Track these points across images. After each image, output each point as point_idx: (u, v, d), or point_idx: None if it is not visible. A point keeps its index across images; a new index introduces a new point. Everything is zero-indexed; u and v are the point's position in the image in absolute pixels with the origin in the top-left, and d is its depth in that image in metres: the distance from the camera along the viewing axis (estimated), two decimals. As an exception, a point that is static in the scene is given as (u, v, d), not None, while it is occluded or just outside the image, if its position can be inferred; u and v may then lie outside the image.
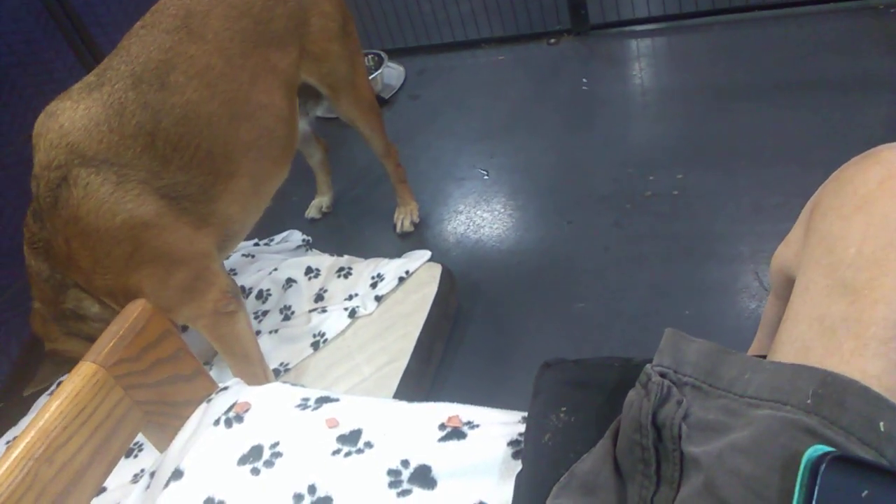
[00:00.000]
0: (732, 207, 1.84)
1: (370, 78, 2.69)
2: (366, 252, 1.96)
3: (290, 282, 1.85)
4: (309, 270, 1.87)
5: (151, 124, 1.33)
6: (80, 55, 2.29)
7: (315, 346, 1.68)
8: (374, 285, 1.76)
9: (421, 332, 1.60)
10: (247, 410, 0.90)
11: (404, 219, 2.18)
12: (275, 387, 0.95)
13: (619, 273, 1.80)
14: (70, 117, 1.29)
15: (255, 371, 1.54)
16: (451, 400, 1.59)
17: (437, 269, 1.74)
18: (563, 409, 0.65)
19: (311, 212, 2.38)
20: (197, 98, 1.38)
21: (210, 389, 0.99)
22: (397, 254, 1.90)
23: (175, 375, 0.94)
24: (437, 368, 1.67)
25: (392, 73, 2.94)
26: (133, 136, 1.31)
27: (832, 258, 0.53)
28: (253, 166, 1.51)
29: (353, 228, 2.32)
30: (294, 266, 1.89)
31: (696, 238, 1.80)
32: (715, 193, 1.90)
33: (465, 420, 0.82)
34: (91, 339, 1.27)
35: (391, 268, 1.77)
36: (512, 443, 0.77)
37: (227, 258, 1.95)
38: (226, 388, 0.97)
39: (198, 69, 1.40)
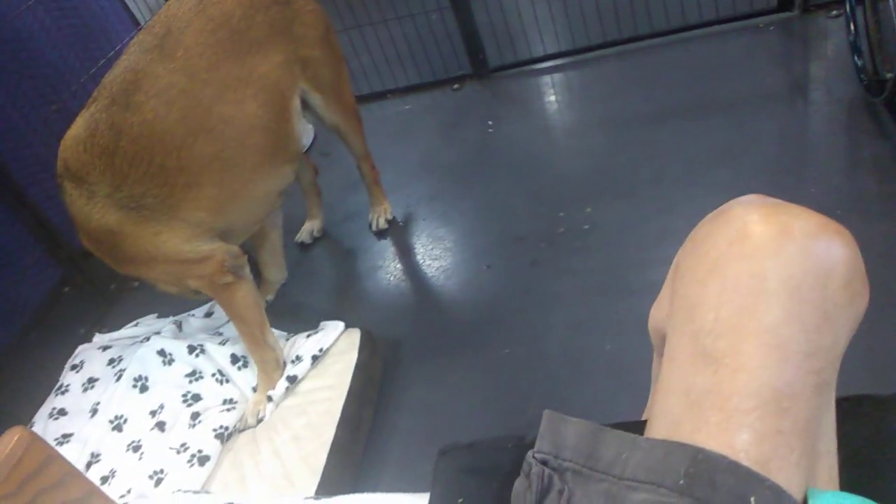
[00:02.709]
0: (641, 235, 1.87)
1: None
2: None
3: (220, 374, 1.79)
4: (235, 359, 1.81)
5: (113, 144, 1.48)
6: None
7: (221, 437, 1.63)
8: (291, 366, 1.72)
9: (345, 403, 1.56)
10: (144, 531, 0.84)
11: (379, 218, 2.29)
12: (176, 498, 0.90)
13: (539, 314, 1.80)
14: (70, 134, 1.52)
15: (253, 332, 1.70)
16: (383, 469, 1.57)
17: (356, 335, 1.71)
18: (461, 500, 0.63)
19: (303, 236, 2.37)
20: (152, 117, 1.51)
21: (108, 509, 0.93)
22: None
23: (65, 503, 0.88)
24: (367, 437, 1.62)
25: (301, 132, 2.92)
26: (99, 156, 1.49)
27: (693, 325, 0.53)
28: (219, 176, 1.61)
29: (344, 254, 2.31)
30: (222, 355, 1.83)
31: (609, 270, 1.82)
32: (623, 223, 1.93)
33: (373, 513, 0.79)
34: None
35: (307, 348, 1.72)
36: (420, 534, 0.74)
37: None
38: (123, 507, 0.91)
39: (159, 88, 1.53)
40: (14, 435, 0.85)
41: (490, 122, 2.58)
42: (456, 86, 2.85)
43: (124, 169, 1.50)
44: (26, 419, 1.88)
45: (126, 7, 2.87)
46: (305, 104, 1.92)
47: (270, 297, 2.16)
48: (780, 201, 0.57)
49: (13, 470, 0.81)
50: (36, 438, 0.86)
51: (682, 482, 0.47)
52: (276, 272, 2.15)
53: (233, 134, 1.62)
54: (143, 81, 1.52)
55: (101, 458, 1.71)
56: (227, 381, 1.78)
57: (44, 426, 1.81)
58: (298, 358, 1.74)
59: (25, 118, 2.24)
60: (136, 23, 2.88)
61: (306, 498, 1.13)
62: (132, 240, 1.55)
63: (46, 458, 0.85)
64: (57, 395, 1.91)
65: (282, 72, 1.75)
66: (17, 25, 2.27)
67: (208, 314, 2.08)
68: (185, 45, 1.57)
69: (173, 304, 2.09)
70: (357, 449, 1.57)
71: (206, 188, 1.59)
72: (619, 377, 1.53)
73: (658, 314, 0.63)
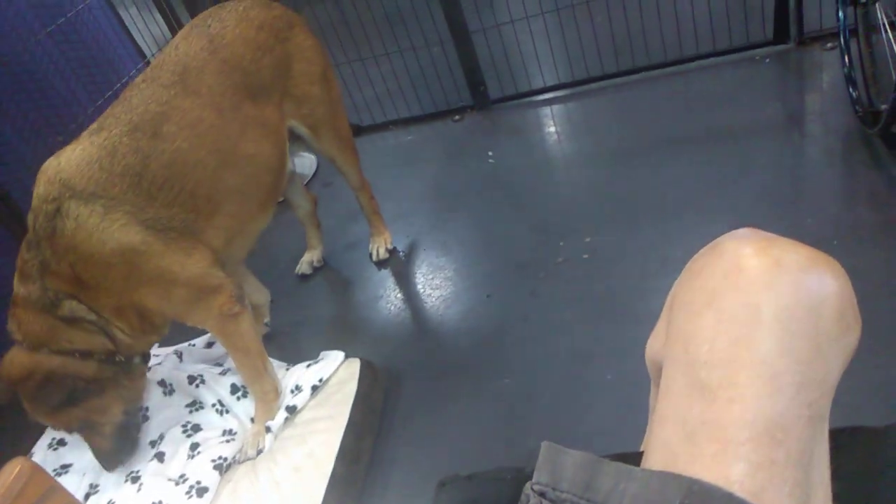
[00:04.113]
0: (640, 264, 1.88)
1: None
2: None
3: (220, 404, 1.79)
4: (235, 389, 1.81)
5: (140, 166, 1.48)
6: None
7: (219, 468, 1.62)
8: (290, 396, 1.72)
9: (345, 434, 1.56)
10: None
11: (379, 247, 2.30)
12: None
13: (540, 343, 1.80)
14: (67, 157, 1.47)
15: (255, 363, 1.70)
16: (385, 501, 1.56)
17: (355, 366, 1.71)
18: (459, 531, 0.63)
19: (303, 268, 2.38)
20: (186, 147, 1.53)
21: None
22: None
23: (65, 533, 0.88)
24: (367, 468, 1.61)
25: (304, 163, 2.95)
26: (121, 175, 1.46)
27: (688, 356, 0.54)
28: (236, 208, 1.65)
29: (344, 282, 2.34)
30: (222, 385, 1.83)
31: (609, 299, 1.83)
32: (623, 252, 1.94)
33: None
34: (79, 353, 1.51)
35: (307, 378, 1.73)
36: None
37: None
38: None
39: (189, 121, 1.55)
40: (16, 466, 0.85)
41: (490, 153, 2.61)
42: (457, 117, 2.89)
43: (153, 192, 1.49)
44: (26, 449, 1.88)
45: (132, 40, 2.92)
46: (298, 139, 1.95)
47: (267, 319, 2.16)
48: (772, 235, 0.58)
49: (15, 501, 0.82)
50: (38, 469, 0.86)
51: (678, 513, 0.47)
52: (259, 294, 2.16)
53: (251, 171, 1.68)
54: (172, 113, 1.54)
55: (99, 489, 1.70)
56: (227, 411, 1.78)
57: (43, 456, 1.81)
58: (298, 388, 1.74)
59: (32, 149, 2.26)
60: (143, 55, 2.93)
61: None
62: (157, 260, 1.50)
63: (48, 490, 0.86)
64: (57, 425, 1.91)
65: (281, 112, 1.79)
66: (25, 57, 2.31)
67: (208, 345, 2.08)
68: (208, 83, 1.60)
69: (174, 334, 2.09)
70: (357, 480, 1.56)
71: (225, 218, 1.63)
72: (620, 407, 1.53)
73: (654, 345, 0.64)
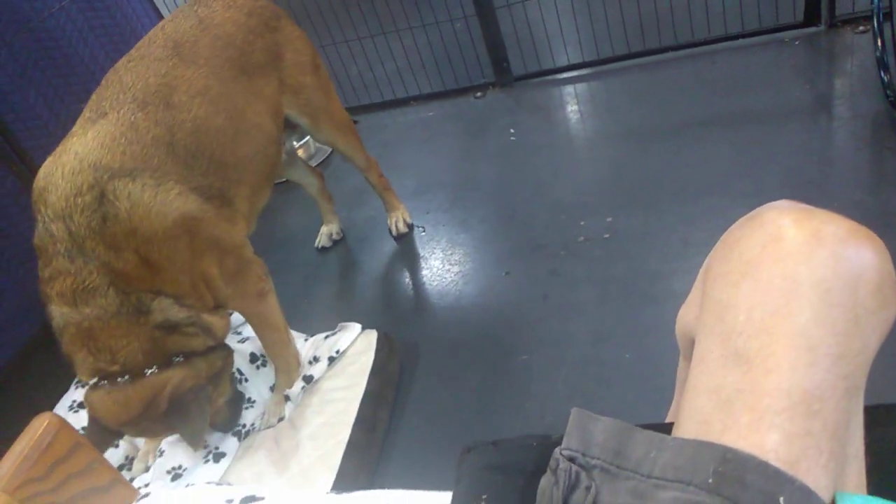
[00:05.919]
0: (662, 246, 1.87)
1: (301, 143, 2.71)
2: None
3: (239, 373, 1.81)
4: (254, 358, 1.82)
5: (168, 136, 1.40)
6: None
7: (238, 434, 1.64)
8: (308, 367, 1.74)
9: (361, 403, 1.57)
10: (168, 520, 0.85)
11: (397, 221, 2.31)
12: (197, 490, 0.91)
13: (558, 321, 1.80)
14: (82, 143, 1.33)
15: (282, 338, 1.71)
16: (399, 469, 1.57)
17: (372, 336, 1.72)
18: (484, 496, 0.64)
19: (322, 240, 2.39)
20: (203, 114, 1.48)
21: (131, 497, 0.94)
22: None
23: (90, 489, 0.89)
24: (383, 437, 1.62)
25: (324, 136, 2.94)
26: (153, 146, 1.37)
27: (724, 326, 0.53)
28: (252, 178, 1.62)
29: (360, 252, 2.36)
30: (241, 354, 1.84)
31: (630, 280, 1.82)
32: (644, 233, 1.93)
33: (395, 508, 0.80)
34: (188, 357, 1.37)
35: (325, 349, 1.74)
36: (442, 530, 0.74)
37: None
38: (147, 495, 0.92)
39: (198, 89, 1.50)
40: (44, 420, 0.86)
41: (512, 130, 2.59)
42: (479, 94, 2.87)
43: (188, 161, 1.42)
44: (47, 411, 1.91)
45: (155, 8, 2.92)
46: (296, 127, 1.95)
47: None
48: (811, 207, 0.58)
49: (42, 455, 0.83)
50: (65, 425, 0.87)
51: (710, 481, 0.47)
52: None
53: (260, 140, 1.66)
54: (177, 83, 1.48)
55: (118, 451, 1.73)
56: (246, 380, 1.80)
57: (64, 417, 1.83)
58: (316, 359, 1.75)
59: (56, 116, 2.28)
60: (166, 24, 2.93)
61: (328, 493, 1.13)
62: (211, 227, 1.43)
63: (74, 445, 0.87)
64: (77, 387, 1.93)
65: (278, 98, 1.78)
66: (49, 24, 2.32)
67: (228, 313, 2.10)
68: (204, 55, 1.57)
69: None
70: (373, 449, 1.57)
71: (246, 188, 1.60)
72: (638, 386, 1.53)
73: (687, 317, 0.63)
